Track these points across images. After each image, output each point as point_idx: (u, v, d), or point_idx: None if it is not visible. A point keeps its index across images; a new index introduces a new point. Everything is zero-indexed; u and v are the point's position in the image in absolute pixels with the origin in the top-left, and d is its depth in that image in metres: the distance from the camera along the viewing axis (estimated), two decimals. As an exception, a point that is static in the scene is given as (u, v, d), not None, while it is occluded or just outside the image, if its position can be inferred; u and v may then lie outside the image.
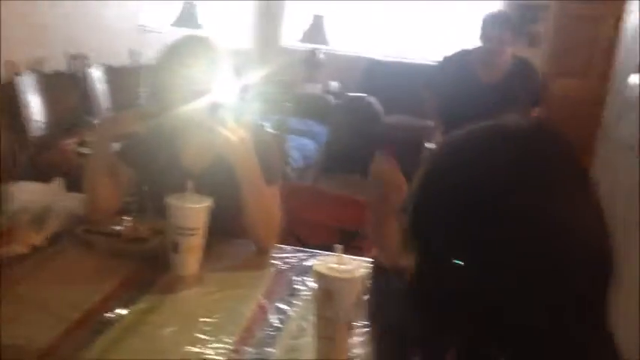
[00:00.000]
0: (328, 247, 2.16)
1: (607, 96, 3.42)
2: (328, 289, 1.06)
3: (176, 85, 1.48)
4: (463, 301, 0.69)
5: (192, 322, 1.18)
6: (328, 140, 4.78)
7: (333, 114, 5.18)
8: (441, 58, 3.30)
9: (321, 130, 4.88)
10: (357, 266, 1.09)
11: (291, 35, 5.92)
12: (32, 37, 3.13)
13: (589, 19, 5.21)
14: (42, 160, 2.73)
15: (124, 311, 1.20)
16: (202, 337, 1.13)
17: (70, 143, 2.82)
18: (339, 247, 1.11)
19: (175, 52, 1.52)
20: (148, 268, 1.39)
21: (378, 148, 4.12)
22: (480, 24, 3.05)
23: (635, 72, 2.87)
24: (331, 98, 5.40)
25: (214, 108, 1.46)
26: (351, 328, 1.09)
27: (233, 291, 1.33)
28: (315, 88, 5.59)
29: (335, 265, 1.08)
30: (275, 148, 1.68)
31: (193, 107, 1.47)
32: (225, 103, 1.48)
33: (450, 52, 3.25)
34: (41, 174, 2.69)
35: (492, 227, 0.67)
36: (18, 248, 1.40)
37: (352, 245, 2.46)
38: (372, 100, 5.23)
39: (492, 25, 2.95)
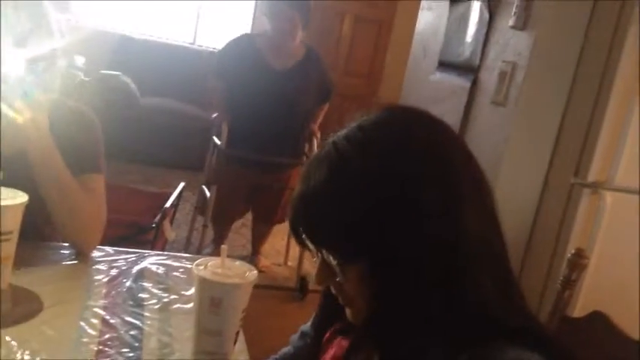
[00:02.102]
0: (126, 243, 1.94)
1: (401, 94, 3.63)
2: (216, 297, 0.92)
3: None
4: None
5: (22, 349, 0.92)
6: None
7: (82, 93, 4.68)
8: (212, 43, 3.13)
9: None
10: (244, 269, 0.96)
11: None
12: None
13: (367, 21, 5.60)
14: None
15: None
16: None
17: None
18: (224, 247, 0.97)
19: None
20: None
21: (136, 132, 3.85)
22: (265, 6, 2.95)
23: (434, 72, 3.12)
24: (80, 74, 4.88)
25: None
26: (236, 340, 0.97)
27: (62, 307, 1.08)
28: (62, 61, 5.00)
29: (219, 270, 0.94)
30: (87, 130, 1.40)
31: None
32: (9, 73, 1.18)
33: (232, 37, 3.05)
34: None
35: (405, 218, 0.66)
36: None
37: (141, 239, 2.27)
38: (128, 79, 4.88)
39: (283, 5, 2.81)
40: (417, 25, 3.53)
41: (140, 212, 2.51)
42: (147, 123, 4.68)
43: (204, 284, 0.92)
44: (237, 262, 0.99)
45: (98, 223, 1.32)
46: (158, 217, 2.27)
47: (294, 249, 3.27)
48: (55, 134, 1.22)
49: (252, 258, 3.30)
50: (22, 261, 1.12)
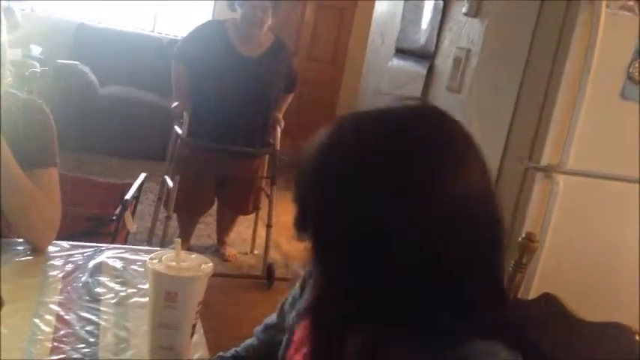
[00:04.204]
0: (85, 236, 1.93)
1: (361, 80, 3.63)
2: (171, 291, 0.92)
3: None
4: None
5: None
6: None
7: (38, 83, 4.59)
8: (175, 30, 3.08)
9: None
10: (197, 261, 0.97)
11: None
12: None
13: (330, 7, 5.59)
14: None
15: None
16: (1, 369, 0.89)
17: None
18: (178, 240, 0.98)
19: None
20: None
21: (95, 121, 3.78)
22: None
23: (392, 58, 3.12)
24: (35, 64, 4.77)
25: None
26: (193, 333, 0.98)
27: (16, 305, 1.07)
28: (14, 54, 4.87)
29: (173, 262, 0.95)
30: (39, 122, 1.37)
31: None
32: None
33: (193, 24, 3.02)
34: None
35: (417, 209, 0.65)
36: None
37: (102, 232, 2.25)
38: (86, 68, 4.78)
39: None
40: (374, 12, 3.54)
41: (101, 204, 2.48)
42: (106, 113, 4.61)
43: (158, 278, 0.93)
44: (193, 255, 0.99)
45: (52, 218, 1.31)
46: (119, 210, 2.25)
47: (261, 238, 3.28)
48: (4, 128, 1.20)
49: (218, 247, 3.29)
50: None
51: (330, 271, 0.71)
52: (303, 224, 0.72)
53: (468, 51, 2.34)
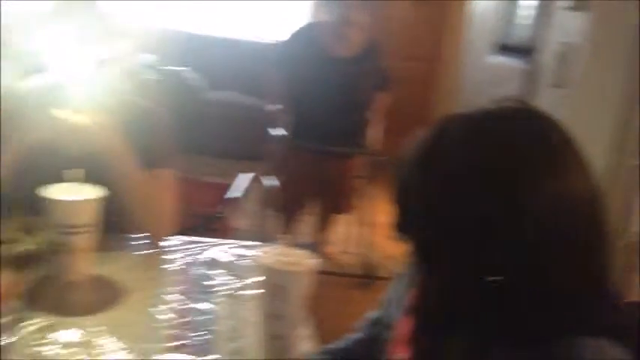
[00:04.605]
0: (194, 232, 2.03)
1: (458, 77, 3.58)
2: (278, 284, 0.98)
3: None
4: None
5: (102, 336, 1.01)
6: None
7: (152, 89, 4.88)
8: (273, 35, 3.16)
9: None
10: (304, 257, 1.02)
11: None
12: None
13: (424, 3, 5.56)
14: None
15: (12, 337, 0.98)
16: (124, 350, 0.97)
17: None
18: (284, 237, 1.03)
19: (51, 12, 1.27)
20: (25, 274, 1.16)
21: (202, 125, 3.90)
22: None
23: (490, 54, 3.06)
24: (149, 72, 5.07)
25: (54, 88, 1.24)
26: (300, 324, 1.02)
27: (136, 295, 1.16)
28: (134, 62, 5.20)
29: (281, 257, 1.00)
30: (157, 127, 1.48)
31: (30, 87, 1.24)
32: (69, 80, 1.25)
33: (295, 28, 3.11)
34: None
35: (519, 214, 0.66)
36: None
37: (209, 227, 2.37)
38: (191, 74, 5.03)
39: None
40: (471, 7, 3.48)
41: (209, 203, 2.61)
42: (213, 116, 4.83)
43: (268, 272, 0.98)
44: (300, 251, 1.04)
45: (169, 215, 1.41)
46: (226, 207, 2.37)
47: (359, 236, 3.32)
48: (125, 132, 1.31)
49: (318, 245, 3.36)
50: (102, 251, 1.22)
51: (435, 270, 0.73)
52: (404, 225, 0.74)
53: (572, 46, 2.25)
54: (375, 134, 3.10)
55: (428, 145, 0.72)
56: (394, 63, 4.47)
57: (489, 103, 0.75)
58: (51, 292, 1.13)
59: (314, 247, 3.49)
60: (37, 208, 1.14)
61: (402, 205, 0.74)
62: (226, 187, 2.64)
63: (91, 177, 1.18)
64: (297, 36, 3.03)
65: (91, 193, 1.16)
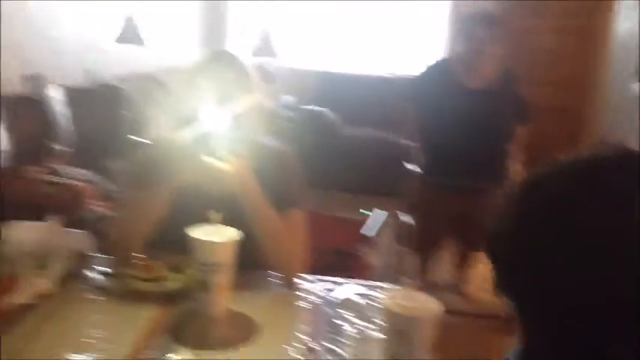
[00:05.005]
0: (328, 270, 2.07)
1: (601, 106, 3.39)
2: (401, 329, 0.98)
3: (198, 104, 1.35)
4: None
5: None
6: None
7: (289, 129, 5.11)
8: (409, 70, 3.19)
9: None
10: (429, 301, 1.01)
11: (241, 49, 5.82)
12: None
13: (564, 29, 5.37)
14: (9, 191, 2.51)
15: (162, 365, 1.08)
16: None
17: (37, 172, 2.61)
18: (406, 280, 1.03)
19: (197, 69, 1.41)
20: (171, 309, 1.27)
21: (336, 161, 3.99)
22: (458, 25, 2.95)
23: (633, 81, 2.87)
24: (287, 112, 5.33)
25: (203, 137, 1.35)
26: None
27: (271, 331, 1.22)
28: (268, 103, 5.51)
29: (405, 301, 1.00)
30: (290, 169, 1.56)
31: (181, 135, 1.36)
32: (214, 129, 1.34)
33: (429, 63, 3.12)
34: (9, 206, 2.50)
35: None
36: (22, 297, 1.25)
37: (343, 265, 2.41)
38: (327, 112, 5.21)
39: (473, 22, 2.77)
40: (614, 34, 3.27)
41: (343, 239, 2.67)
42: (348, 152, 4.95)
43: (391, 316, 0.99)
44: (424, 295, 1.04)
45: (301, 254, 1.47)
46: (360, 244, 2.41)
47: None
48: (258, 175, 1.39)
49: (457, 284, 3.27)
50: (238, 289, 1.30)
51: (533, 332, 0.69)
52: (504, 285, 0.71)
53: None
54: (515, 166, 3.00)
55: (533, 203, 0.68)
56: (534, 92, 4.31)
57: (585, 151, 0.71)
58: (193, 327, 1.22)
59: (452, 286, 3.40)
60: (183, 247, 1.25)
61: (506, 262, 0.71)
62: (361, 224, 2.68)
63: (230, 218, 1.27)
64: (431, 70, 3.04)
65: (229, 233, 1.24)
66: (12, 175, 2.54)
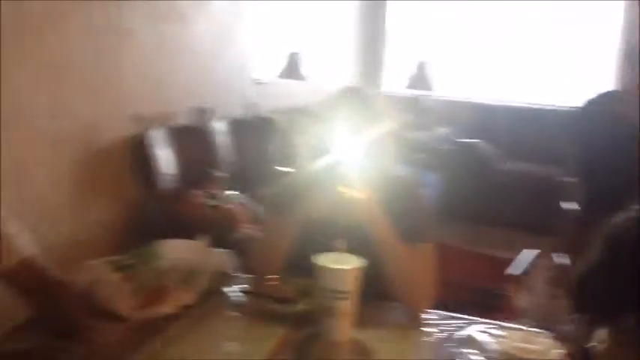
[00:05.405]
0: (468, 309, 2.02)
1: None
2: (516, 372, 0.95)
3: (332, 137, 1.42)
4: None
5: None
6: (443, 190, 4.64)
7: (445, 161, 5.06)
8: (571, 102, 3.04)
9: (432, 179, 4.76)
10: (547, 344, 0.97)
11: (395, 82, 5.91)
12: (154, 91, 3.26)
13: None
14: (172, 212, 2.79)
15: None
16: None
17: (198, 195, 2.87)
18: (526, 321, 1.00)
19: (334, 104, 1.49)
20: (298, 331, 1.33)
21: (490, 196, 3.85)
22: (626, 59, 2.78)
23: None
24: (442, 145, 5.28)
25: (336, 165, 1.39)
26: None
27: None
28: (423, 136, 5.51)
29: (522, 344, 0.97)
30: (419, 202, 1.57)
31: (318, 165, 1.42)
32: (347, 159, 1.39)
33: (592, 95, 2.95)
34: (172, 226, 2.77)
35: None
36: (168, 308, 1.38)
37: (492, 306, 2.31)
38: (484, 145, 5.08)
39: None
40: None
41: (487, 277, 2.57)
42: (504, 187, 4.79)
43: (505, 357, 0.96)
44: (548, 339, 1.00)
45: (428, 289, 1.46)
46: (506, 284, 2.31)
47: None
48: (386, 206, 1.42)
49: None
50: (361, 318, 1.33)
51: None
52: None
53: None
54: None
55: None
56: None
57: None
58: (316, 351, 1.27)
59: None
60: (311, 272, 1.31)
61: None
62: (508, 262, 2.58)
63: (356, 247, 1.31)
64: (594, 104, 2.87)
65: (354, 262, 1.28)
66: (176, 197, 2.82)
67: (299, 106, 4.09)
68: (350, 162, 1.39)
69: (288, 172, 1.64)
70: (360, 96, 1.52)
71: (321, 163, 1.43)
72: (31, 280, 1.35)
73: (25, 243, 1.38)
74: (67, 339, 1.17)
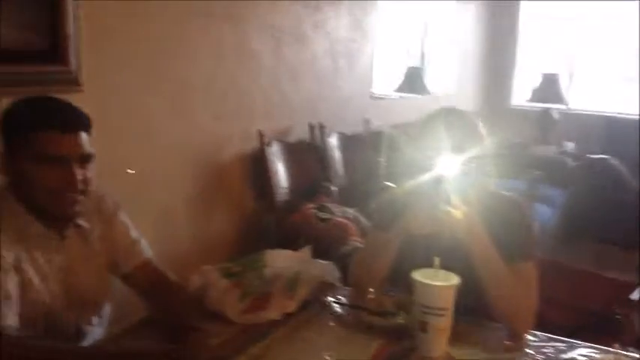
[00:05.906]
0: (573, 331, 1.94)
1: None
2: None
3: (427, 155, 1.43)
4: None
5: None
6: (566, 205, 4.43)
7: (570, 177, 4.81)
8: None
9: (556, 194, 4.55)
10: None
11: (520, 95, 5.73)
12: (275, 109, 3.41)
13: None
14: (286, 223, 2.91)
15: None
16: None
17: (310, 208, 2.96)
18: (618, 348, 0.96)
19: (430, 123, 1.51)
20: (394, 344, 1.35)
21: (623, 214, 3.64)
22: None
23: None
24: (568, 160, 5.03)
25: (438, 182, 1.39)
26: None
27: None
28: (549, 150, 5.28)
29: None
30: (521, 221, 1.53)
31: (420, 181, 1.43)
32: (449, 176, 1.39)
33: None
34: (285, 236, 2.89)
35: None
36: (272, 314, 1.46)
37: (602, 330, 2.19)
38: (616, 161, 4.77)
39: None
40: None
41: (606, 300, 2.44)
42: (628, 205, 4.47)
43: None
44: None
45: (530, 310, 1.43)
46: (626, 308, 2.19)
47: None
48: (487, 224, 1.41)
49: None
50: (459, 336, 1.32)
51: None
52: None
53: None
54: None
55: None
56: None
57: None
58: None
59: None
60: (409, 286, 1.33)
61: None
62: (632, 286, 2.43)
63: (454, 265, 1.31)
64: None
65: (450, 279, 1.29)
66: (290, 209, 2.93)
67: (411, 121, 4.10)
68: (452, 179, 1.40)
69: (392, 188, 1.67)
70: (455, 115, 1.52)
71: (423, 179, 1.45)
72: (149, 282, 1.49)
73: (145, 248, 1.52)
74: (178, 339, 1.28)
